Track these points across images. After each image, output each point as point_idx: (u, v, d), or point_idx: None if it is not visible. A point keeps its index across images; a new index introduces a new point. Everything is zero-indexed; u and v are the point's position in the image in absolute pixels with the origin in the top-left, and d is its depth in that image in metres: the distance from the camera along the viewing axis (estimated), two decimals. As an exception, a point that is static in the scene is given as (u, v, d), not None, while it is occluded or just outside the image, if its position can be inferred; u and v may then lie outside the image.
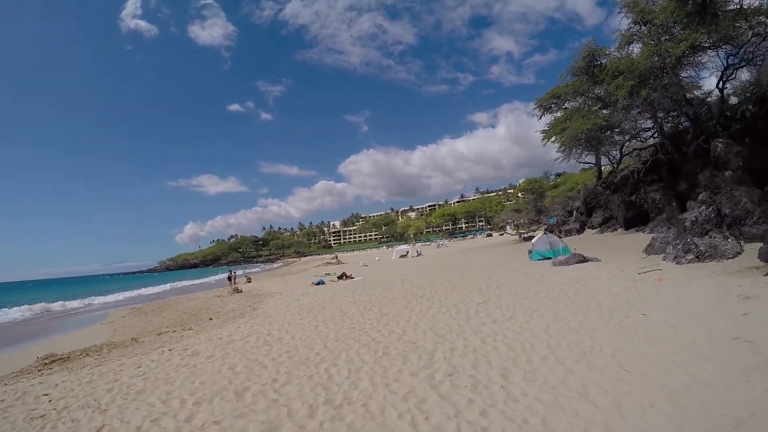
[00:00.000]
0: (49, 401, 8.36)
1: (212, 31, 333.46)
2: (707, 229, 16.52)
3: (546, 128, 45.00)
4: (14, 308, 38.92)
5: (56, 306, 39.93)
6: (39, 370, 11.93)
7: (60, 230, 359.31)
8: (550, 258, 23.99)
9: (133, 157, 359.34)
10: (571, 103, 43.72)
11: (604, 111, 39.21)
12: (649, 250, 19.45)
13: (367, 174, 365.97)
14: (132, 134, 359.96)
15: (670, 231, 19.45)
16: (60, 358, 13.16)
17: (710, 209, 17.46)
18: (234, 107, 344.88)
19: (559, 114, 44.40)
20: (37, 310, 37.78)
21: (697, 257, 15.39)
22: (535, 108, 46.27)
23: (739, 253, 15.03)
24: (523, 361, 7.47)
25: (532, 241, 28.54)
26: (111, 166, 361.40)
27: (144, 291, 53.82)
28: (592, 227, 42.16)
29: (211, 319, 17.86)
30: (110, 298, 47.00)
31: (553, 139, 43.58)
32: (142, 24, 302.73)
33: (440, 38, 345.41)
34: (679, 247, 16.43)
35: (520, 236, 53.09)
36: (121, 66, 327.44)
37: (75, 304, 41.38)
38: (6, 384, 10.48)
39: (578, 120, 37.56)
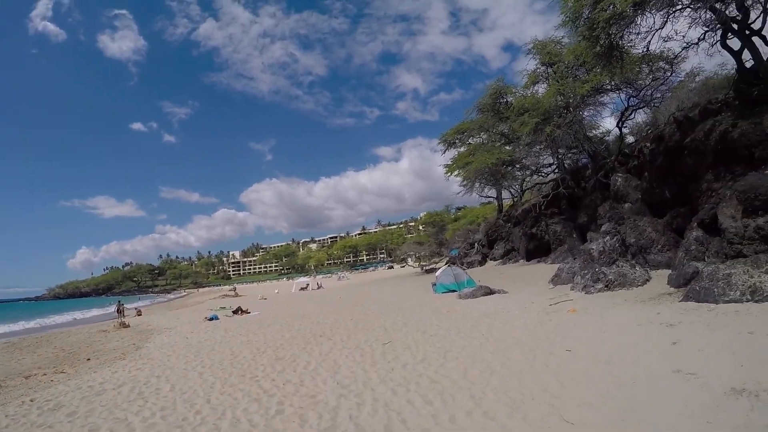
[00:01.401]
0: None
1: (122, 43, 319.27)
2: (614, 259, 16.85)
3: (450, 162, 46.28)
4: None
5: None
6: None
7: None
8: (455, 291, 23.46)
9: (22, 170, 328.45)
10: (475, 139, 45.45)
11: (507, 147, 40.85)
12: (556, 280, 19.62)
13: (270, 204, 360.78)
14: (23, 145, 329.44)
15: (576, 261, 19.78)
16: None
17: (615, 239, 17.89)
18: (137, 126, 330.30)
19: (463, 149, 46.00)
20: None
21: (607, 286, 15.50)
22: (439, 143, 47.88)
23: (648, 280, 15.31)
24: (445, 418, 6.31)
25: (436, 273, 28.28)
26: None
27: (24, 323, 48.22)
28: (494, 259, 43.18)
29: (89, 360, 15.77)
30: None
31: (456, 172, 44.95)
32: (51, 27, 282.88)
33: (350, 72, 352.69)
34: (587, 276, 16.55)
35: (422, 268, 53.24)
36: (22, 69, 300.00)
37: None
38: None
39: (483, 154, 38.95)
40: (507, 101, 37.49)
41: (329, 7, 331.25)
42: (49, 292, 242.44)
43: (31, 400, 9.94)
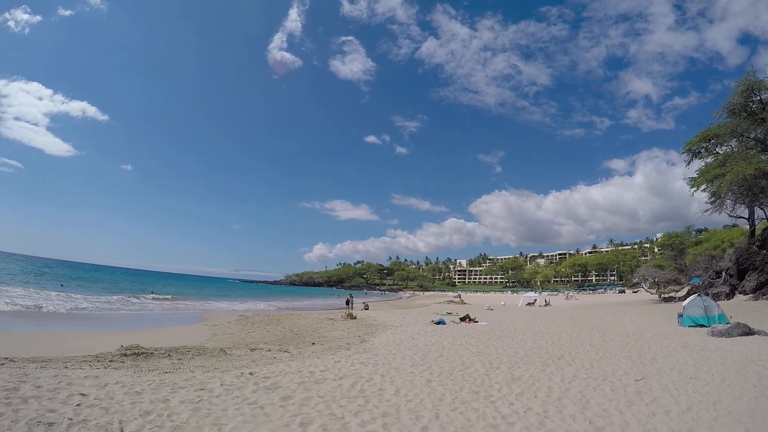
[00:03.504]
0: (77, 405, 7.00)
1: (352, 65, 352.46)
2: None
3: (695, 175, 39.95)
4: (149, 295, 46.27)
5: (180, 301, 43.33)
6: (110, 361, 11.42)
7: (200, 233, 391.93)
8: (704, 326, 20.19)
9: (271, 175, 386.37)
10: (724, 148, 38.61)
11: (765, 155, 33.76)
12: None
13: (498, 215, 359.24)
14: (272, 155, 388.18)
15: None
16: (141, 353, 12.74)
17: None
18: (371, 139, 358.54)
19: (710, 159, 39.35)
20: (167, 300, 44.43)
21: None
22: (683, 152, 41.65)
23: None
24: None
25: (684, 303, 24.43)
26: (250, 183, 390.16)
27: (261, 301, 55.62)
28: (744, 292, 35.89)
29: (314, 344, 16.42)
30: (228, 301, 50.44)
31: (703, 187, 38.45)
32: (288, 56, 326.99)
33: (575, 80, 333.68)
34: None
35: (660, 296, 47.30)
36: (266, 93, 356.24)
37: (194, 302, 44.07)
38: (66, 367, 9.96)
39: (739, 164, 32.25)
40: (762, 99, 30.88)
41: (546, 14, 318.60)
42: (286, 278, 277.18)
43: (251, 373, 10.11)
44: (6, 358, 10.68)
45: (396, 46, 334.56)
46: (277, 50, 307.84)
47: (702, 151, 40.03)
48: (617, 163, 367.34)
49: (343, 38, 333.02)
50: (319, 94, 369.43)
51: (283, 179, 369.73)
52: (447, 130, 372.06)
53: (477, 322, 27.06)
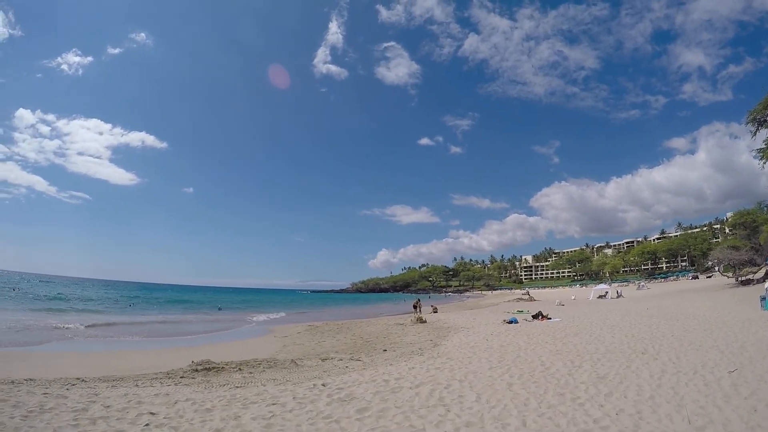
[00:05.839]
0: (146, 425, 6.95)
1: (397, 71, 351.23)
2: None
3: (763, 146, 36.98)
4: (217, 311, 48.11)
5: (248, 314, 44.65)
6: (181, 377, 11.43)
7: (263, 248, 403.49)
8: None
9: (328, 187, 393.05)
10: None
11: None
12: None
13: (560, 207, 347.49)
14: (326, 167, 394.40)
15: None
16: (212, 368, 12.69)
17: None
18: (424, 141, 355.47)
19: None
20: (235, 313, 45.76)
21: None
22: (747, 122, 38.41)
23: None
24: None
25: (765, 285, 22.38)
26: (307, 196, 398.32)
27: (329, 310, 56.42)
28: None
29: (386, 351, 15.95)
30: (293, 312, 51.36)
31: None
32: (333, 68, 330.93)
33: (623, 59, 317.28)
34: None
35: (737, 279, 43.99)
36: (317, 106, 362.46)
37: (262, 314, 45.26)
38: (137, 385, 10.01)
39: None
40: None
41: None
42: (353, 286, 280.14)
43: (323, 385, 9.76)
44: (78, 378, 10.84)
45: (438, 47, 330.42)
46: (323, 64, 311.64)
47: None
48: (677, 142, 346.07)
49: (385, 44, 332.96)
50: (368, 102, 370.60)
51: (340, 189, 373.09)
52: (499, 125, 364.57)
53: (550, 318, 26.13)
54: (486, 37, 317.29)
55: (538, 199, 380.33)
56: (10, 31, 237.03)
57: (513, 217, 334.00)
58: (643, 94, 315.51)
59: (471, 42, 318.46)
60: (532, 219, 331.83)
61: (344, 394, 8.84)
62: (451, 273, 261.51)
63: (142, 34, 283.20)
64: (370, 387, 9.44)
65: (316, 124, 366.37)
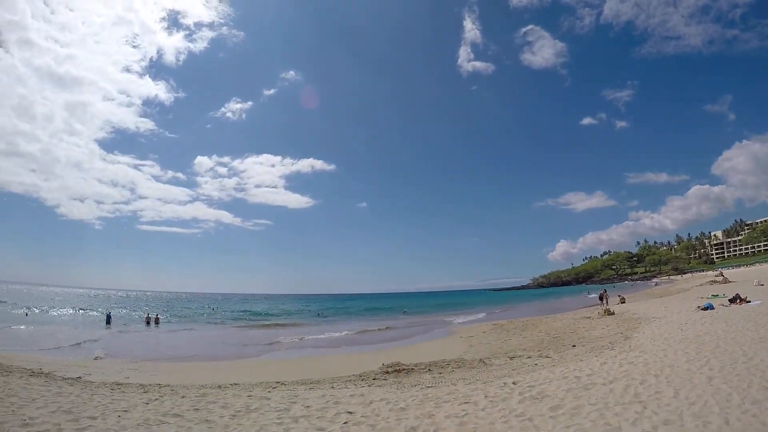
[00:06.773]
0: (344, 423, 7.75)
1: (543, 53, 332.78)
2: None
3: None
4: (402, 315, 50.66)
5: (431, 317, 46.05)
6: (373, 379, 12.20)
7: (436, 251, 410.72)
8: None
9: (497, 183, 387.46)
10: None
11: None
12: None
13: (745, 171, 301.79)
14: (492, 163, 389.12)
15: None
16: (402, 369, 13.41)
17: None
18: (586, 120, 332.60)
19: None
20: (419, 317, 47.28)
21: None
22: None
23: None
24: None
25: None
26: (477, 193, 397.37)
27: (511, 307, 55.98)
28: None
29: (574, 346, 15.68)
30: (476, 312, 51.93)
31: None
32: (479, 64, 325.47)
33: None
34: None
35: None
36: (471, 105, 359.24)
37: (444, 317, 46.67)
38: (332, 387, 10.87)
39: None
40: None
41: None
42: (533, 281, 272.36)
43: (514, 383, 9.87)
44: (278, 382, 12.35)
45: (578, 19, 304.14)
46: (467, 63, 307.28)
47: None
48: None
49: (523, 29, 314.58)
50: (520, 90, 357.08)
51: (508, 183, 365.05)
52: (662, 89, 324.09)
53: (749, 301, 23.17)
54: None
55: (720, 165, 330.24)
56: (174, 95, 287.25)
57: (695, 189, 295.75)
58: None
59: (610, 5, 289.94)
60: (716, 189, 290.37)
61: (536, 391, 8.90)
62: (635, 259, 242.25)
63: (291, 72, 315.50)
64: (561, 384, 9.36)
65: (475, 124, 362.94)
